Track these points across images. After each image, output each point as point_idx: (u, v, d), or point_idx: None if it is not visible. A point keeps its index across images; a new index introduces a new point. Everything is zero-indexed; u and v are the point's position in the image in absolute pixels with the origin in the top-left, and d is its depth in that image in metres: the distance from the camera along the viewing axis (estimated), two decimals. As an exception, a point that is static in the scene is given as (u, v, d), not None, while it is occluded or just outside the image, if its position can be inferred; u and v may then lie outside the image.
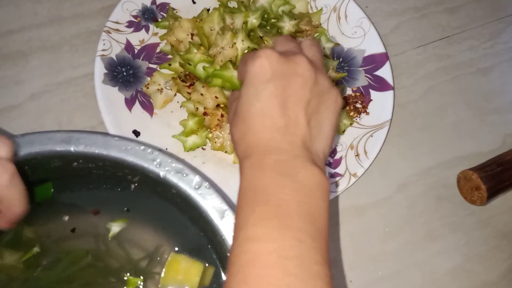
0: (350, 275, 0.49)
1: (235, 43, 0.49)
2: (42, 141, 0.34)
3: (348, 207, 0.52)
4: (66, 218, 0.39)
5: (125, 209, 0.40)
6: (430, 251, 0.52)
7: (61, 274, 0.39)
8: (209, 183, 0.35)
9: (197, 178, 0.35)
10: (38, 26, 0.53)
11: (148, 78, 0.51)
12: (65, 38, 0.53)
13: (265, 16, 0.55)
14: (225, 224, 0.34)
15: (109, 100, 0.48)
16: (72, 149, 0.34)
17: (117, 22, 0.51)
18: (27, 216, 0.39)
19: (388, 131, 0.52)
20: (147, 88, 0.50)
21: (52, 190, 0.37)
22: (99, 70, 0.48)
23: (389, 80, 0.55)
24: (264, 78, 0.32)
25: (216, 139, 0.49)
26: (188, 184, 0.35)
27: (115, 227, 0.39)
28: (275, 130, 0.31)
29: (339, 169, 0.50)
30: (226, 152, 0.50)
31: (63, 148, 0.34)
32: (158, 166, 0.35)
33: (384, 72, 0.55)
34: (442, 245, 0.52)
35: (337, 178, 0.50)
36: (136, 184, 0.38)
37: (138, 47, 0.52)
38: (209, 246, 0.38)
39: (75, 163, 0.35)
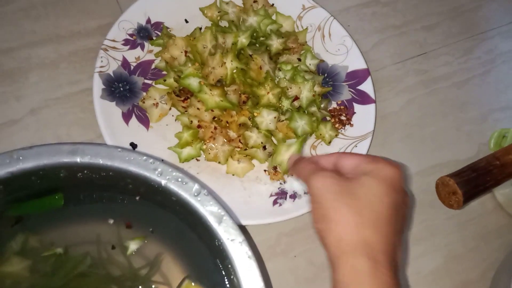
0: (339, 278, 0.52)
1: (225, 62, 0.52)
2: (49, 153, 0.36)
3: (336, 214, 0.55)
4: (71, 227, 0.41)
5: (126, 224, 0.42)
6: (414, 252, 0.55)
7: (63, 280, 0.41)
8: (207, 190, 0.37)
9: (196, 186, 0.37)
10: (37, 44, 0.55)
11: (144, 93, 0.54)
12: (63, 56, 0.55)
13: (254, 34, 0.58)
14: (222, 229, 0.37)
15: (107, 114, 0.50)
16: (78, 160, 0.36)
17: (114, 40, 0.54)
18: (34, 225, 0.41)
19: (371, 141, 0.56)
20: (143, 102, 0.53)
21: (63, 200, 0.39)
22: (98, 85, 0.51)
23: (371, 94, 0.58)
24: None
25: (209, 150, 0.52)
26: (187, 192, 0.37)
27: (133, 245, 0.41)
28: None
29: (327, 178, 0.53)
30: (219, 162, 0.52)
31: (69, 159, 0.36)
32: (159, 175, 0.37)
33: (366, 86, 0.59)
34: (425, 247, 0.55)
35: (325, 186, 0.52)
36: (140, 196, 0.40)
37: (134, 64, 0.54)
38: (208, 252, 0.40)
39: (80, 174, 0.37)
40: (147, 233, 0.42)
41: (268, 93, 0.53)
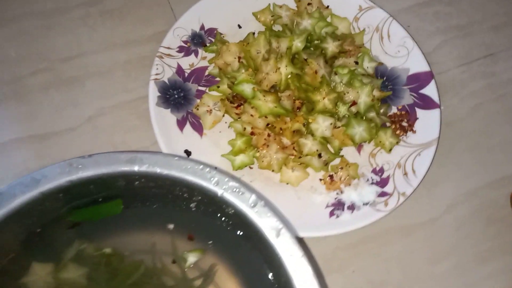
0: (400, 296, 0.49)
1: (279, 68, 0.51)
2: (108, 162, 0.35)
3: (396, 227, 0.51)
4: (127, 235, 0.41)
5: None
6: (479, 273, 0.51)
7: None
8: (265, 201, 0.36)
9: (253, 197, 0.35)
10: (94, 52, 0.56)
11: (198, 100, 0.53)
12: (118, 64, 0.56)
13: (309, 38, 0.57)
14: (280, 243, 0.35)
15: (162, 122, 0.50)
16: (136, 168, 0.36)
17: (168, 48, 0.54)
18: (91, 233, 0.41)
19: (436, 149, 0.52)
20: (197, 109, 0.52)
21: (122, 206, 0.39)
22: (153, 93, 0.51)
23: (435, 98, 0.54)
24: None
25: (263, 158, 0.51)
26: (244, 203, 0.35)
27: (192, 258, 0.40)
28: None
29: (387, 188, 0.50)
30: (273, 170, 0.51)
31: (127, 168, 0.35)
32: (215, 184, 0.36)
33: (430, 90, 0.55)
34: (492, 268, 0.51)
35: (386, 197, 0.50)
36: (196, 204, 0.39)
37: (188, 71, 0.54)
38: (264, 265, 0.38)
39: (137, 182, 0.37)
40: (206, 246, 0.41)
41: (324, 98, 0.51)
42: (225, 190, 0.36)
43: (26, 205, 0.34)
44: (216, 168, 0.37)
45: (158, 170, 0.36)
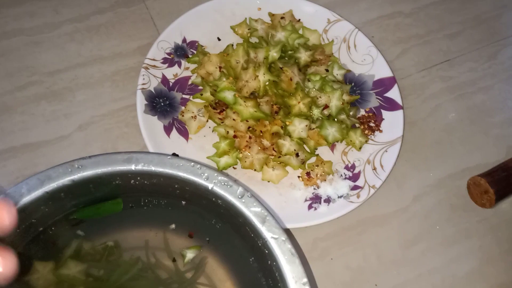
0: (375, 280, 0.53)
1: (257, 76, 0.56)
2: (106, 161, 0.39)
3: (370, 217, 0.56)
4: (124, 233, 0.44)
5: (172, 226, 0.45)
6: (447, 256, 0.56)
7: (116, 283, 0.44)
8: (250, 192, 0.40)
9: (240, 189, 0.39)
10: (82, 65, 0.60)
11: (183, 107, 0.57)
12: (106, 75, 0.59)
13: (283, 48, 0.61)
14: (266, 228, 0.39)
15: (150, 128, 0.54)
16: (132, 167, 0.39)
17: (153, 59, 0.58)
18: (90, 231, 0.44)
19: (401, 146, 0.57)
20: (183, 116, 0.56)
21: (122, 205, 0.42)
22: (140, 101, 0.54)
23: (398, 100, 0.60)
24: None
25: (245, 158, 0.55)
26: (232, 194, 0.39)
27: (190, 254, 0.44)
28: None
29: (359, 182, 0.55)
30: (255, 170, 0.55)
31: (125, 167, 0.39)
32: (206, 179, 0.40)
33: (393, 93, 0.61)
34: (458, 250, 0.56)
35: (358, 190, 0.54)
36: (186, 201, 0.43)
37: (173, 81, 0.58)
38: (252, 253, 0.42)
39: (133, 181, 0.41)
40: (204, 242, 0.44)
41: (299, 102, 0.56)
42: (215, 184, 0.40)
43: (32, 204, 0.37)
44: (207, 165, 0.41)
45: (153, 168, 0.39)
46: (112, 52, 0.61)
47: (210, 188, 0.40)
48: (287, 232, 0.53)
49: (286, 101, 0.56)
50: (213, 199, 0.40)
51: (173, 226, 0.45)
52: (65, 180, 0.38)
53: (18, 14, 0.61)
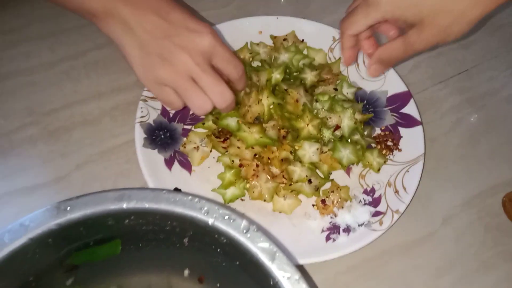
0: (408, 316, 0.47)
1: (260, 99, 0.52)
2: (96, 201, 0.35)
3: (395, 245, 0.51)
4: (123, 279, 0.40)
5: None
6: (485, 283, 0.50)
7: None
8: (256, 226, 0.35)
9: (244, 222, 0.35)
10: (79, 103, 0.57)
11: (184, 139, 0.54)
12: (105, 111, 0.57)
13: (287, 70, 0.58)
14: (276, 266, 0.34)
15: (150, 162, 0.50)
16: (124, 205, 0.35)
17: (151, 90, 0.55)
18: (88, 277, 0.40)
19: (424, 165, 0.52)
20: (184, 147, 0.53)
21: (120, 247, 0.39)
22: (139, 135, 0.51)
23: (416, 116, 0.56)
24: None
25: (253, 188, 0.51)
26: (236, 229, 0.35)
27: None
28: None
29: (380, 207, 0.50)
30: (264, 200, 0.51)
31: (116, 206, 0.35)
32: (206, 214, 0.36)
33: (410, 108, 0.56)
34: (497, 276, 0.50)
35: (380, 217, 0.49)
36: (188, 239, 0.39)
37: (173, 111, 0.55)
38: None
39: (127, 220, 0.37)
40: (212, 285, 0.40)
41: (307, 124, 0.52)
42: (216, 219, 0.36)
43: (16, 253, 0.34)
44: (208, 199, 0.37)
45: (146, 205, 0.36)
46: (110, 87, 0.59)
47: (210, 223, 0.35)
48: (302, 268, 0.48)
49: (293, 124, 0.53)
50: (216, 235, 0.36)
51: (186, 272, 0.41)
52: (51, 224, 0.35)
53: (14, 55, 0.59)
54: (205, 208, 0.36)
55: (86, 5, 0.44)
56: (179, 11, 0.44)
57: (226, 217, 0.36)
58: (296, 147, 0.52)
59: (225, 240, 0.36)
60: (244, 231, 0.35)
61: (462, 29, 0.40)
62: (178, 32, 0.43)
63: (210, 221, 0.36)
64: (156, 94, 0.46)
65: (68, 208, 0.35)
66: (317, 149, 0.51)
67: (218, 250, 0.39)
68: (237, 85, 0.48)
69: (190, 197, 0.36)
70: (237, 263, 0.38)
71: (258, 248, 0.35)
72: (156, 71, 0.44)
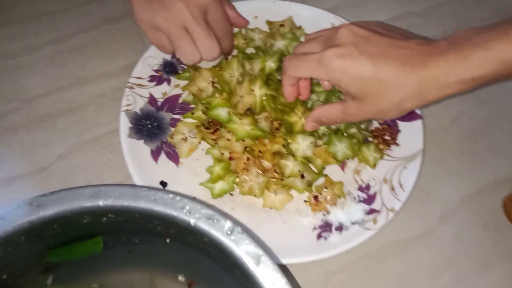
0: (401, 318, 0.46)
1: (253, 90, 0.50)
2: (71, 198, 0.33)
3: (392, 244, 0.49)
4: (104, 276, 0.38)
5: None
6: (482, 283, 0.48)
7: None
8: (242, 228, 0.33)
9: (228, 223, 0.33)
10: (64, 89, 0.55)
11: (172, 129, 0.51)
12: (90, 98, 0.55)
13: (283, 59, 0.56)
14: (261, 271, 0.32)
15: (135, 153, 0.48)
16: (101, 203, 0.33)
17: (139, 78, 0.52)
18: (67, 277, 0.38)
19: (422, 160, 0.50)
20: (172, 138, 0.51)
21: (102, 245, 0.37)
22: (124, 124, 0.49)
23: (416, 109, 0.53)
24: None
25: (243, 183, 0.48)
26: (220, 230, 0.33)
27: None
28: None
29: (375, 205, 0.48)
30: (255, 195, 0.49)
31: (92, 203, 0.33)
32: (188, 213, 0.33)
33: (410, 101, 0.54)
34: (496, 275, 0.48)
35: (374, 215, 0.47)
36: (170, 238, 0.37)
37: (161, 100, 0.53)
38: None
39: (105, 218, 0.35)
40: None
41: (300, 118, 0.50)
42: (198, 219, 0.33)
43: (-16, 252, 0.32)
44: (194, 198, 0.35)
45: (125, 203, 0.33)
46: (97, 73, 0.56)
47: (192, 223, 0.33)
48: (293, 266, 0.46)
49: (286, 119, 0.50)
50: (198, 236, 0.34)
51: (181, 277, 0.40)
52: (23, 222, 0.33)
53: (-4, 38, 0.57)
54: (187, 208, 0.34)
55: None
56: None
57: (210, 217, 0.34)
58: (289, 141, 0.49)
59: (207, 240, 0.34)
60: (228, 233, 0.33)
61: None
62: None
63: (192, 221, 0.33)
64: (150, 37, 0.49)
65: (41, 205, 0.33)
66: (311, 142, 0.49)
67: (202, 251, 0.37)
68: (222, 45, 0.51)
69: (171, 195, 0.34)
70: (222, 266, 0.36)
71: (243, 251, 0.33)
72: (154, 16, 0.46)
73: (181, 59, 0.50)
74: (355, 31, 0.42)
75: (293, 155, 0.49)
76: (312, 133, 0.50)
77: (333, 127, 0.51)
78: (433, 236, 0.50)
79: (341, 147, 0.50)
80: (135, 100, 0.51)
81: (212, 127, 0.51)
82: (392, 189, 0.49)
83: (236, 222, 0.34)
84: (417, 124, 0.52)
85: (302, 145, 0.49)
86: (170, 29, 0.47)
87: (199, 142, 0.51)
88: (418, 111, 0.53)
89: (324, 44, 0.43)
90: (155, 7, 0.46)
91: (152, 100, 0.52)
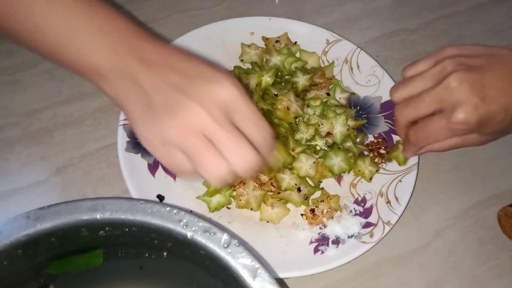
0: (397, 333, 0.46)
1: (250, 103, 0.50)
2: (68, 211, 0.33)
3: (387, 258, 0.49)
4: None
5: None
6: (479, 298, 0.48)
7: None
8: (238, 240, 0.33)
9: (225, 236, 0.33)
10: (62, 103, 0.55)
11: (170, 143, 0.52)
12: (87, 113, 0.55)
13: (279, 73, 0.56)
14: (258, 284, 0.32)
15: (132, 167, 0.48)
16: (98, 216, 0.33)
17: (137, 92, 0.53)
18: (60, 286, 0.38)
19: (417, 174, 0.51)
20: (169, 152, 0.51)
21: (102, 258, 0.37)
22: (122, 138, 0.49)
23: (410, 123, 0.54)
24: None
25: (240, 196, 0.49)
26: (216, 243, 0.33)
27: None
28: None
29: (372, 218, 0.48)
30: (251, 209, 0.49)
31: (89, 217, 0.33)
32: (184, 226, 0.34)
33: (404, 115, 0.54)
34: (493, 292, 0.48)
35: (371, 228, 0.48)
36: (168, 251, 0.37)
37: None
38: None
39: (102, 231, 0.35)
40: None
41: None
42: (195, 232, 0.34)
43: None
44: (191, 211, 0.35)
45: (122, 216, 0.34)
46: (94, 88, 0.55)
47: (189, 236, 0.34)
48: (290, 280, 0.46)
49: (281, 133, 0.51)
50: (195, 249, 0.34)
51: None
52: (20, 235, 0.33)
53: (-5, 53, 0.57)
54: (184, 220, 0.34)
55: (93, 63, 0.36)
56: (196, 61, 0.36)
57: (206, 230, 0.34)
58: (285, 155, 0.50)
59: (204, 253, 0.34)
60: (225, 246, 0.33)
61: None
62: (193, 82, 0.34)
63: (189, 234, 0.34)
64: (160, 157, 0.36)
65: (38, 218, 0.33)
66: (314, 162, 0.49)
67: (200, 264, 0.37)
68: (260, 150, 0.36)
69: (168, 208, 0.34)
70: (219, 279, 0.36)
71: (239, 264, 0.33)
72: (161, 127, 0.34)
73: (207, 179, 0.35)
74: (466, 78, 0.40)
75: (295, 173, 0.49)
76: (308, 147, 0.50)
77: (329, 140, 0.52)
78: (428, 251, 0.50)
79: (337, 161, 0.50)
80: (133, 115, 0.51)
81: (209, 141, 0.51)
82: (388, 202, 0.49)
83: (232, 235, 0.34)
84: (411, 139, 0.53)
85: (305, 164, 0.49)
86: (184, 140, 0.34)
87: (196, 156, 0.51)
88: (412, 126, 0.54)
89: (435, 97, 0.42)
90: (160, 116, 0.34)
91: (149, 114, 0.53)
